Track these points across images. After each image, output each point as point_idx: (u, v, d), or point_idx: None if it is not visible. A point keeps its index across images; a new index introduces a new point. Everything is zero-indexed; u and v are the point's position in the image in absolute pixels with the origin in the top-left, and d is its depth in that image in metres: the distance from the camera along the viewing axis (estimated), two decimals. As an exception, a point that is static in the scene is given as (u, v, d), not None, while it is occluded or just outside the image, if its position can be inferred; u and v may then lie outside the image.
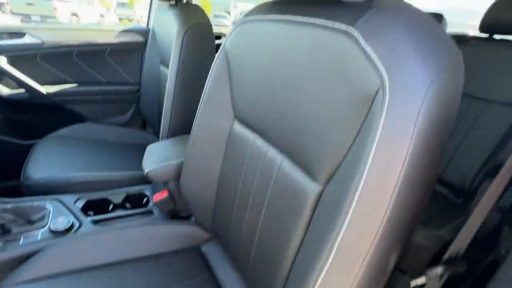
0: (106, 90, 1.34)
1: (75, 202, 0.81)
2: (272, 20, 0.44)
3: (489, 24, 1.07)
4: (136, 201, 0.86)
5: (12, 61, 1.13)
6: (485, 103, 1.08)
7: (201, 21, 0.90)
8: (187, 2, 0.98)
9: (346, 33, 0.32)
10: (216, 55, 0.58)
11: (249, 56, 0.50)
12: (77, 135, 1.16)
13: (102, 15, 11.39)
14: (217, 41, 1.58)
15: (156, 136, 1.32)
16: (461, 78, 0.30)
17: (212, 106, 0.61)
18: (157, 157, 0.79)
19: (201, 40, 0.90)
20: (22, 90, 1.18)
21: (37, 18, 8.16)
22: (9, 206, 0.68)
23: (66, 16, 8.68)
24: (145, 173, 0.74)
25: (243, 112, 0.55)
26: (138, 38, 1.35)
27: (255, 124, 0.52)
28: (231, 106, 0.58)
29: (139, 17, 9.63)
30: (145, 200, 0.88)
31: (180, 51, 0.88)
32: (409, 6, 0.31)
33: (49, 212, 0.74)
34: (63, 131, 1.14)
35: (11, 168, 1.10)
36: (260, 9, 0.49)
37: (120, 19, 12.29)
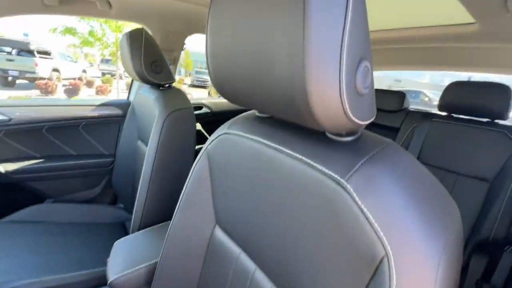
0: (76, 164, 1.25)
1: None
2: (257, 141, 0.43)
3: (446, 105, 1.19)
4: None
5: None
6: (457, 176, 1.13)
7: (183, 106, 0.90)
8: (169, 86, 1.00)
9: (337, 182, 0.30)
10: (197, 158, 0.56)
11: (232, 166, 0.48)
12: (33, 218, 1.02)
13: (84, 71, 11.67)
14: (197, 112, 1.61)
15: (128, 212, 1.21)
16: (461, 230, 0.29)
17: (191, 209, 0.56)
18: (125, 258, 0.69)
19: (181, 125, 0.89)
20: None
21: (16, 73, 8.13)
22: None
23: (47, 71, 8.77)
24: (109, 281, 0.63)
25: (226, 222, 0.50)
26: (117, 111, 1.33)
27: (239, 239, 0.47)
28: (213, 211, 0.53)
29: (122, 72, 9.99)
30: None
31: (160, 135, 0.86)
32: (401, 154, 0.31)
33: None
34: (17, 215, 1.01)
35: None
36: (244, 124, 0.48)
37: (103, 74, 12.64)
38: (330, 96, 0.26)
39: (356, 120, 0.28)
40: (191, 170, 0.56)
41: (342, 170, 0.30)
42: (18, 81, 8.67)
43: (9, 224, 0.96)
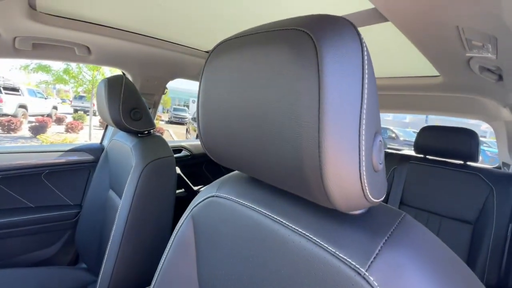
0: (32, 218, 1.09)
1: None
2: (251, 208, 0.38)
3: (420, 148, 1.25)
4: None
5: None
6: (441, 218, 1.14)
7: (163, 154, 0.85)
8: (149, 132, 0.94)
9: (356, 271, 0.26)
10: (180, 221, 0.49)
11: (221, 234, 0.42)
12: None
13: (55, 107, 11.20)
14: (176, 155, 1.54)
15: (91, 274, 1.05)
16: None
17: (172, 279, 0.47)
18: None
19: (161, 176, 0.82)
20: None
21: (-25, 109, 7.59)
22: None
23: (12, 108, 8.29)
24: None
25: None
26: (88, 157, 1.23)
27: None
28: (197, 283, 0.45)
29: (96, 108, 9.70)
30: None
31: (136, 186, 0.78)
32: (418, 229, 0.28)
33: None
34: None
35: None
36: (236, 186, 0.44)
37: (76, 111, 12.20)
38: (349, 176, 0.23)
39: (372, 199, 0.25)
40: (173, 235, 0.49)
41: (360, 255, 0.26)
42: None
43: None
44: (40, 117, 8.47)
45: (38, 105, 9.84)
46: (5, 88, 8.17)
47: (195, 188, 1.64)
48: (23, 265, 1.04)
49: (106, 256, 0.78)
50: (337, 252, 0.27)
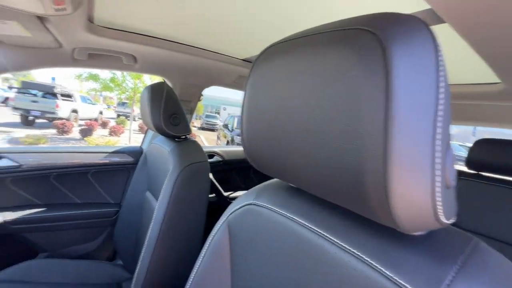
0: (78, 213, 1.18)
1: None
2: (293, 220, 0.36)
3: (474, 163, 1.12)
4: None
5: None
6: (486, 239, 1.01)
7: (199, 159, 0.86)
8: (185, 138, 0.97)
9: None
10: (216, 227, 0.48)
11: (259, 244, 0.40)
12: (22, 278, 0.91)
13: (101, 112, 12.30)
14: (209, 161, 1.58)
15: (126, 271, 1.09)
16: None
17: (206, 285, 0.46)
18: None
19: (196, 179, 0.84)
20: None
21: (38, 113, 8.61)
22: None
23: (66, 112, 9.26)
24: None
25: None
26: (128, 159, 1.30)
27: None
28: None
29: (136, 114, 10.44)
30: None
31: (173, 189, 0.79)
32: (495, 259, 0.24)
33: None
34: (4, 273, 0.90)
35: None
36: (275, 195, 0.42)
37: (118, 116, 13.25)
38: (419, 194, 0.20)
39: (444, 220, 0.21)
40: (209, 241, 0.48)
41: (425, 283, 0.22)
42: (38, 120, 9.13)
43: (-6, 285, 0.86)
44: (88, 121, 9.35)
45: (87, 110, 10.88)
46: (61, 95, 9.18)
47: (225, 194, 1.65)
48: (67, 257, 1.12)
49: (141, 255, 0.81)
50: (395, 277, 0.24)
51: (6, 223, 1.04)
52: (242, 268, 0.43)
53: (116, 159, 1.28)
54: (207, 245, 0.49)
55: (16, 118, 8.84)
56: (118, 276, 1.09)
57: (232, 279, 0.44)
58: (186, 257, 0.85)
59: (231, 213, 0.47)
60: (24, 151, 1.11)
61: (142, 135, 1.51)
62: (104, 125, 10.72)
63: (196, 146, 0.94)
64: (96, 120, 11.15)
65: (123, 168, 1.29)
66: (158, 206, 0.80)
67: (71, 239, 1.18)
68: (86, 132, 8.21)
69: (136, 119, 11.21)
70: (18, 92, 8.87)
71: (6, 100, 11.87)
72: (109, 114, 15.38)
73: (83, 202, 1.21)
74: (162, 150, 0.96)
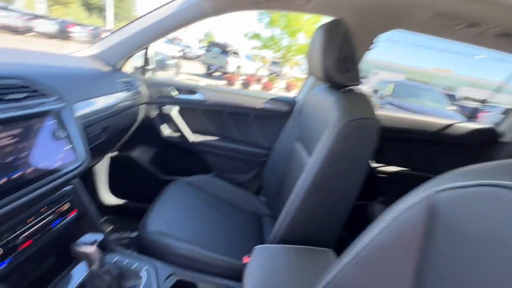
0: (238, 148, 1.37)
1: (166, 278, 0.73)
2: None
3: None
4: None
5: (181, 111, 1.33)
6: None
7: (367, 115, 0.71)
8: (351, 90, 0.83)
9: None
10: (406, 203, 0.35)
11: (495, 242, 0.24)
12: (199, 185, 1.18)
13: (257, 69, 14.02)
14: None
15: (268, 208, 1.20)
16: None
17: (382, 272, 0.36)
18: (265, 278, 0.60)
19: (361, 139, 0.70)
20: (177, 134, 1.36)
21: (216, 67, 10.94)
22: (111, 265, 0.66)
23: (233, 67, 11.20)
24: None
25: None
26: (283, 107, 1.34)
27: None
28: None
29: (284, 72, 11.10)
30: None
31: (330, 144, 0.70)
32: None
33: (139, 285, 0.68)
34: (191, 179, 1.19)
35: (144, 196, 1.24)
36: None
37: (270, 74, 14.64)
38: None
39: None
40: (394, 216, 0.36)
41: None
42: (214, 74, 11.70)
43: (184, 184, 1.16)
44: (247, 76, 10.92)
45: (247, 66, 12.67)
46: (231, 53, 11.08)
47: (374, 165, 1.44)
48: (227, 180, 1.36)
49: (287, 206, 0.79)
50: None
51: (193, 143, 1.36)
52: (441, 269, 0.28)
53: (273, 106, 1.35)
54: (389, 221, 0.36)
55: (203, 70, 11.64)
56: (260, 210, 1.21)
57: (417, 275, 0.31)
58: (331, 216, 0.78)
59: (436, 192, 0.31)
60: (209, 89, 1.36)
61: (287, 93, 1.51)
62: (258, 81, 12.22)
63: (364, 99, 0.78)
64: (252, 76, 12.86)
65: (278, 116, 1.34)
66: (313, 160, 0.75)
67: (231, 167, 1.41)
68: (245, 85, 9.68)
69: (283, 78, 11.97)
70: (206, 50, 11.47)
71: (199, 56, 15.75)
72: (263, 72, 17.27)
73: (242, 140, 1.39)
74: (322, 101, 0.87)
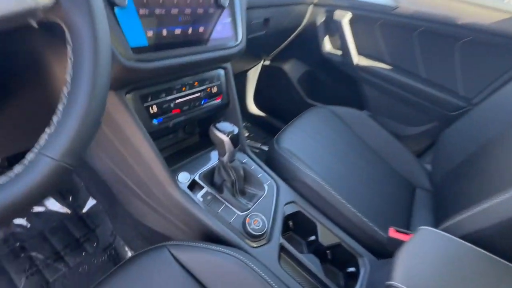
0: (419, 88, 0.95)
1: (287, 203, 0.63)
2: None
3: None
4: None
5: (354, 20, 1.01)
6: None
7: None
8: None
9: None
10: None
11: None
12: (348, 121, 0.95)
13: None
14: None
15: (430, 183, 0.86)
16: None
17: None
18: (433, 268, 0.38)
19: None
20: (339, 52, 1.09)
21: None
22: (240, 163, 0.60)
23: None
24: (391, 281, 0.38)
25: None
26: None
27: None
28: None
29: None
30: None
31: None
32: None
33: (260, 197, 0.61)
34: (338, 109, 0.97)
35: (284, 114, 1.15)
36: None
37: None
38: None
39: None
40: None
41: None
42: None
43: (329, 114, 0.95)
44: None
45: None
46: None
47: None
48: (385, 128, 1.04)
49: (497, 199, 0.47)
50: None
51: (357, 67, 1.06)
52: None
53: None
54: None
55: None
56: (417, 178, 0.89)
57: None
58: None
59: None
60: None
61: None
62: None
63: None
64: None
65: None
66: None
67: (397, 111, 1.07)
68: None
69: None
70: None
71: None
72: None
73: (428, 78, 0.95)
74: None
